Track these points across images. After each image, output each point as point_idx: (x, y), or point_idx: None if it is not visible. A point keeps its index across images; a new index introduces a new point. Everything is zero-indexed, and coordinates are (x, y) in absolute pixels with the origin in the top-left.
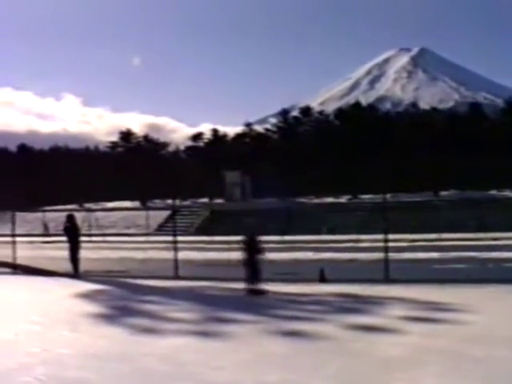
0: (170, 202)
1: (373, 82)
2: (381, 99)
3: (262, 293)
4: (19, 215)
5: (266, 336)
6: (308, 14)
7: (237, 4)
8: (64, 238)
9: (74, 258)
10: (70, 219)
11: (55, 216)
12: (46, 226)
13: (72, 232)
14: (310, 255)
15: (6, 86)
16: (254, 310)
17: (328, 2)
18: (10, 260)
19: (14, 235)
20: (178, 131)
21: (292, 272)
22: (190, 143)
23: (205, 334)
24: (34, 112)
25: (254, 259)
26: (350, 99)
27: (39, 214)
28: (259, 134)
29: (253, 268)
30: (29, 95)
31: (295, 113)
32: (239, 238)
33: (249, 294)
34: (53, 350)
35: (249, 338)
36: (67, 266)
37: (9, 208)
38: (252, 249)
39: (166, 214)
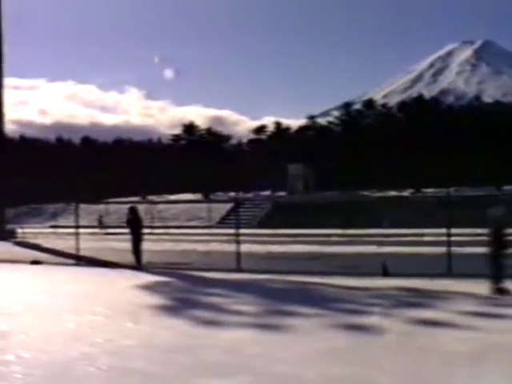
0: (232, 194)
1: (436, 75)
2: (444, 92)
3: (506, 292)
4: (83, 207)
5: (329, 330)
6: (371, 7)
7: None
8: (126, 230)
9: (137, 249)
10: (133, 211)
11: (118, 208)
12: (100, 220)
13: (134, 224)
14: (372, 249)
15: (70, 79)
16: (316, 304)
17: None
18: (73, 251)
19: (77, 227)
20: (240, 124)
21: (354, 265)
22: (252, 136)
23: (267, 327)
24: (98, 105)
25: (499, 254)
26: (413, 92)
27: (102, 206)
28: (322, 127)
29: (497, 264)
30: (92, 88)
31: (358, 106)
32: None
33: (495, 293)
34: (116, 341)
35: (311, 331)
36: (130, 258)
37: (72, 200)
38: (497, 242)
39: (228, 206)
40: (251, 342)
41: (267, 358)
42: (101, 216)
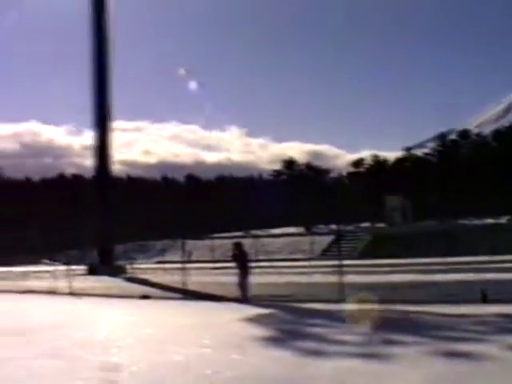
0: (333, 226)
1: None
2: None
3: None
4: (189, 243)
5: (432, 357)
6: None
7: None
8: (232, 264)
9: (243, 283)
10: (238, 247)
11: (223, 243)
12: (189, 253)
13: (240, 258)
14: (471, 276)
15: (173, 120)
16: (418, 332)
17: (481, 23)
18: (180, 286)
19: (184, 262)
20: (339, 158)
21: (454, 293)
22: (351, 169)
23: (371, 356)
24: (200, 143)
25: None
26: (505, 121)
27: (207, 242)
28: (418, 158)
29: None
30: (195, 128)
31: (453, 136)
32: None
33: None
34: (223, 373)
35: (414, 359)
36: (236, 291)
37: (179, 236)
38: None
39: (329, 238)
40: (356, 372)
41: None
42: (189, 251)
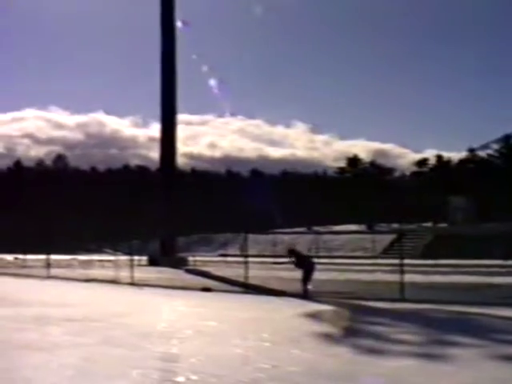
0: (395, 225)
1: None
2: None
3: None
4: (251, 237)
5: (489, 360)
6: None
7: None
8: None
9: (307, 279)
10: (293, 253)
11: (285, 238)
12: (242, 247)
13: (301, 262)
14: None
15: (239, 114)
16: (477, 334)
17: None
18: (242, 279)
19: (246, 256)
20: (403, 157)
21: None
22: (415, 169)
23: (429, 357)
24: (265, 138)
25: None
26: None
27: (270, 236)
28: (482, 160)
29: None
30: (259, 123)
31: None
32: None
33: None
34: (282, 367)
35: (471, 361)
36: (296, 287)
37: (241, 230)
38: None
39: (391, 237)
40: (414, 372)
41: None
42: (242, 245)
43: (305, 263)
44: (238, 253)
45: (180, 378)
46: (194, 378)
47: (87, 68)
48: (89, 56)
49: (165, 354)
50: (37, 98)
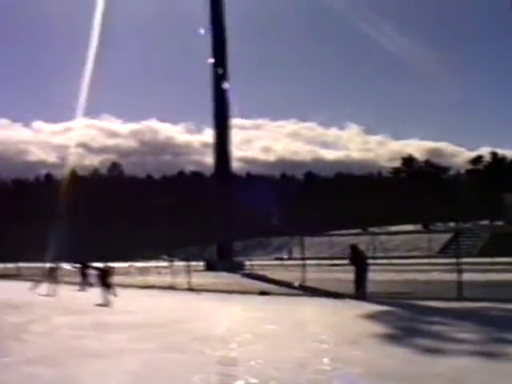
0: (451, 224)
1: None
2: None
3: None
4: (307, 239)
5: None
6: None
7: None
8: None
9: (361, 280)
10: (354, 250)
11: (341, 240)
12: (290, 251)
13: (358, 260)
14: None
15: (292, 117)
16: None
17: None
18: (299, 282)
19: (303, 258)
20: (457, 155)
21: None
22: (469, 167)
23: (489, 355)
24: (318, 141)
25: None
26: None
27: (325, 239)
28: None
29: None
30: (313, 125)
31: None
32: None
33: None
34: (342, 369)
35: None
36: (353, 288)
37: (297, 233)
38: None
39: (447, 236)
40: (475, 370)
41: None
42: (290, 249)
43: (358, 261)
44: (289, 256)
45: (240, 382)
46: (253, 381)
47: (138, 76)
48: (139, 63)
49: (225, 359)
50: (88, 107)
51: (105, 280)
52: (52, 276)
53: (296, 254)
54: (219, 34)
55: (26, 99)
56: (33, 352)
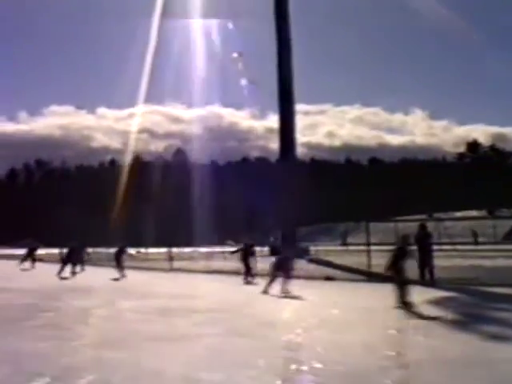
0: None
1: None
2: None
3: None
4: (372, 225)
5: None
6: None
7: None
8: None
9: (428, 265)
10: (422, 228)
11: (406, 226)
12: (344, 235)
13: (423, 240)
14: None
15: (356, 103)
16: None
17: None
18: (364, 268)
19: (368, 244)
20: None
21: None
22: None
23: None
24: (384, 126)
25: None
26: None
27: (391, 224)
28: None
29: None
30: (378, 111)
31: None
32: None
33: None
34: (408, 355)
35: None
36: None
37: (362, 218)
38: None
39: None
40: None
41: None
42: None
43: (423, 242)
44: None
45: (305, 367)
46: (318, 366)
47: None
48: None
49: (289, 343)
50: (152, 93)
51: None
52: (118, 261)
53: (359, 239)
54: (283, 20)
55: (90, 86)
56: (100, 336)
